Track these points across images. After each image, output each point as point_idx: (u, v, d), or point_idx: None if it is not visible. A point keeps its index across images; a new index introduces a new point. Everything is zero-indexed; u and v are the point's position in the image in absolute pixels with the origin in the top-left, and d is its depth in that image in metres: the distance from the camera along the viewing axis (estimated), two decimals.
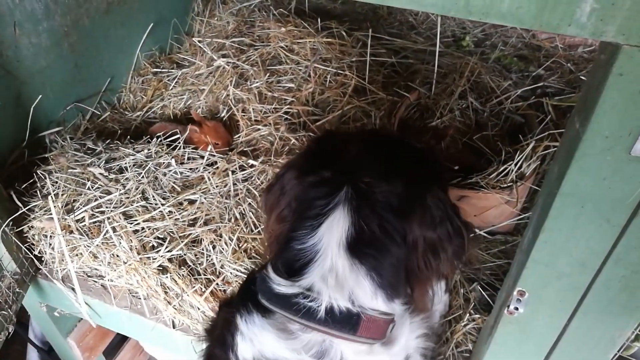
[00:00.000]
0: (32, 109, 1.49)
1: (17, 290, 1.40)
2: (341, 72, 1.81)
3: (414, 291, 0.87)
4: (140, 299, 1.40)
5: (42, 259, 1.47)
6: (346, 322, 0.77)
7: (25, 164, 1.52)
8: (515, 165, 1.36)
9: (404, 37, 2.17)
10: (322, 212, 0.81)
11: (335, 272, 0.78)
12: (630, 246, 0.74)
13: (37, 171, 1.45)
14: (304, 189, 0.86)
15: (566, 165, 0.71)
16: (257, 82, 1.75)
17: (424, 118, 1.64)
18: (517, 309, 0.89)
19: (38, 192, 1.44)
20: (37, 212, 1.42)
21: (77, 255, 1.39)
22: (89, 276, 1.47)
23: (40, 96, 1.51)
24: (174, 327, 1.38)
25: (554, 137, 1.47)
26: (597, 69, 0.65)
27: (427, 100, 1.67)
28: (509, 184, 1.36)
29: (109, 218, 1.34)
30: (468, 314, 1.24)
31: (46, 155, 1.55)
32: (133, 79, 1.94)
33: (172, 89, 1.89)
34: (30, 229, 1.43)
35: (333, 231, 0.80)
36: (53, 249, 1.41)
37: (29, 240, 1.44)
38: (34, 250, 1.44)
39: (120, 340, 2.09)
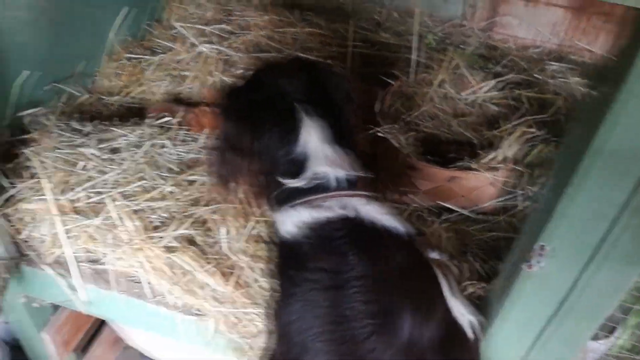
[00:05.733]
0: (17, 86, 1.41)
1: (4, 275, 1.31)
2: (323, 61, 1.86)
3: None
4: (138, 282, 1.37)
5: (27, 244, 1.39)
6: (349, 184, 1.05)
7: (6, 144, 1.43)
8: (502, 148, 1.47)
9: (373, 32, 2.26)
10: (293, 127, 1.07)
11: (327, 158, 1.05)
12: None
13: (25, 151, 1.38)
14: (262, 125, 1.10)
15: (595, 125, 0.81)
16: (243, 68, 1.76)
17: (405, 106, 1.72)
18: (538, 262, 0.98)
19: (24, 172, 1.36)
20: (25, 193, 1.34)
21: (70, 238, 1.33)
22: (79, 261, 1.40)
23: (29, 73, 1.43)
24: (176, 309, 1.36)
25: (529, 123, 1.61)
26: (628, 38, 0.76)
27: (408, 89, 1.75)
28: (496, 166, 1.47)
29: (110, 197, 1.30)
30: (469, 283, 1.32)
31: (25, 137, 1.47)
32: (107, 64, 1.88)
33: (150, 74, 1.85)
34: (15, 211, 1.35)
35: (311, 136, 1.07)
36: (42, 232, 1.34)
37: (13, 223, 1.35)
38: (19, 234, 1.36)
39: (91, 336, 2.00)
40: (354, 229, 0.99)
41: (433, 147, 1.66)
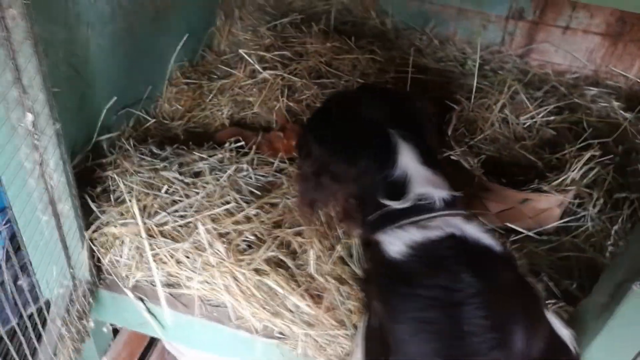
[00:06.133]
0: (106, 110, 1.44)
1: (90, 300, 1.31)
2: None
3: None
4: (217, 306, 1.37)
5: (106, 268, 1.39)
6: (451, 203, 1.08)
7: (87, 167, 1.45)
8: (573, 170, 1.50)
9: (415, 58, 2.30)
10: (390, 151, 1.11)
11: (427, 180, 1.09)
12: None
13: (113, 175, 1.39)
14: (359, 150, 1.14)
15: None
16: (306, 94, 1.79)
17: (468, 129, 1.76)
18: None
19: (111, 196, 1.38)
20: (109, 217, 1.35)
21: (155, 261, 1.33)
22: (153, 285, 1.40)
23: (116, 98, 1.46)
24: (257, 333, 1.36)
25: (593, 147, 1.65)
26: None
27: (469, 113, 1.79)
28: (566, 188, 1.50)
29: (198, 220, 1.31)
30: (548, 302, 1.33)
31: (103, 161, 1.49)
32: (167, 89, 1.91)
33: (210, 99, 1.88)
34: (99, 235, 1.35)
35: (408, 159, 1.11)
36: (125, 256, 1.34)
37: (97, 247, 1.36)
38: (103, 258, 1.36)
39: None
40: (461, 247, 1.02)
41: (494, 169, 1.69)
